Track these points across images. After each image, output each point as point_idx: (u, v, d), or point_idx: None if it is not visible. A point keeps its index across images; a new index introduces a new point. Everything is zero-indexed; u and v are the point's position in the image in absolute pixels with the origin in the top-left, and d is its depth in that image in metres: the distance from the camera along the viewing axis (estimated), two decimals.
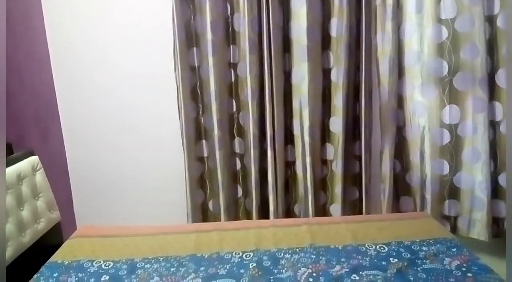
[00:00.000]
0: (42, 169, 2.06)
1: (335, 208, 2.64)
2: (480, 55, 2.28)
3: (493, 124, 2.37)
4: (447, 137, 2.45)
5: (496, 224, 2.45)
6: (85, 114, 2.71)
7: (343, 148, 2.54)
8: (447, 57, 2.36)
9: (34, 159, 2.02)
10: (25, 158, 1.98)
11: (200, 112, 2.62)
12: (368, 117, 2.54)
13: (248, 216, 2.71)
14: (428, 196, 2.49)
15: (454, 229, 2.52)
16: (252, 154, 2.57)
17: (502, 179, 2.40)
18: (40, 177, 2.03)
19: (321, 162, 2.63)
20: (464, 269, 1.63)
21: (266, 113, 2.53)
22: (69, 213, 2.72)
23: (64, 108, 2.70)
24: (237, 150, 2.68)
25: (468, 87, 2.35)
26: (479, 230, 2.42)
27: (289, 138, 2.63)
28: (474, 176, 2.41)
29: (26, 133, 2.30)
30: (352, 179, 2.64)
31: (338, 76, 2.49)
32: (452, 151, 2.46)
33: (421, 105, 2.45)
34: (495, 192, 2.41)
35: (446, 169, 2.48)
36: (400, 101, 2.53)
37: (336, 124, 2.55)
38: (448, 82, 2.38)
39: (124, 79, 2.67)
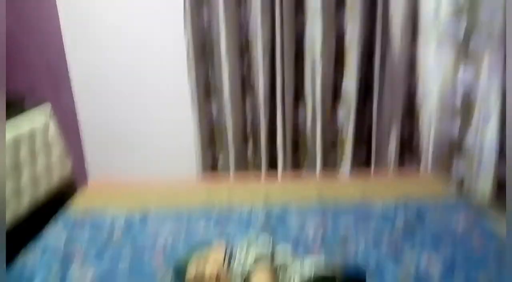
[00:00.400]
0: (55, 121, 2.08)
1: (344, 169, 2.66)
2: (498, 16, 2.21)
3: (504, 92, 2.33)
4: (459, 99, 2.43)
5: (500, 185, 2.47)
6: (95, 67, 2.70)
7: (355, 109, 2.53)
8: (464, 18, 2.29)
9: (46, 111, 2.04)
10: (38, 110, 1.99)
11: (210, 70, 2.60)
12: (381, 78, 2.50)
13: (257, 175, 2.75)
14: (436, 157, 2.50)
15: (459, 190, 2.54)
16: (262, 113, 2.57)
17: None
18: (52, 129, 2.05)
19: (331, 124, 2.63)
20: (470, 228, 1.65)
21: (276, 73, 2.50)
22: (81, 165, 2.77)
23: (74, 60, 2.68)
24: (247, 109, 2.68)
25: (485, 48, 2.30)
26: (484, 192, 2.45)
27: (299, 99, 2.62)
28: (484, 138, 2.40)
29: (38, 86, 2.30)
30: (362, 140, 2.64)
31: (352, 37, 2.43)
32: (463, 113, 2.44)
33: (435, 66, 2.41)
34: (502, 154, 2.42)
35: (456, 131, 2.48)
36: (413, 62, 2.49)
37: (349, 85, 2.52)
38: (464, 43, 2.33)
39: (134, 34, 2.64)
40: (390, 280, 1.35)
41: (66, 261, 1.49)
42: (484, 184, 2.44)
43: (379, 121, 2.57)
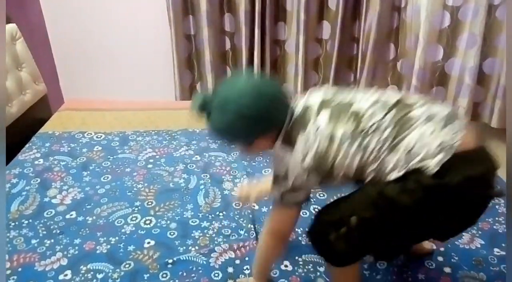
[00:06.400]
0: (22, 38, 1.94)
1: None
2: None
3: (490, 8, 2.27)
4: (446, 21, 2.36)
5: (475, 108, 2.51)
6: None
7: (341, 27, 2.43)
8: None
9: (12, 27, 1.90)
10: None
11: None
12: None
13: None
14: (417, 84, 2.48)
15: None
16: (243, 32, 2.46)
17: (486, 65, 2.40)
18: (20, 46, 1.93)
19: (315, 41, 2.55)
20: None
21: None
22: (55, 87, 2.65)
23: None
24: (227, 28, 2.55)
25: None
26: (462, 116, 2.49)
27: (281, 14, 2.49)
28: (466, 62, 2.39)
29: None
30: (347, 61, 2.58)
31: None
32: (449, 36, 2.39)
33: None
34: (479, 78, 2.42)
35: (440, 55, 2.44)
36: None
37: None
38: None
39: None
40: None
41: (44, 185, 1.47)
42: (461, 109, 2.47)
43: (368, 41, 2.49)
